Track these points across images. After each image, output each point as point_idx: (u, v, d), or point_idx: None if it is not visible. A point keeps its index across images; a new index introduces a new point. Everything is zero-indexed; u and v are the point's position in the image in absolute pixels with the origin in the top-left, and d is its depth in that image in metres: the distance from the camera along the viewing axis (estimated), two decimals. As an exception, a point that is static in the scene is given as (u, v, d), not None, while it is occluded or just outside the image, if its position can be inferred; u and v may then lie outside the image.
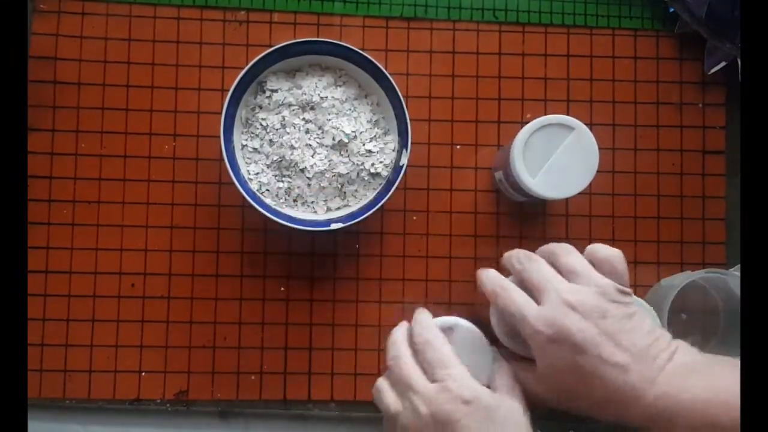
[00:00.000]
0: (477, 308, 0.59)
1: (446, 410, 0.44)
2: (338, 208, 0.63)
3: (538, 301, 0.48)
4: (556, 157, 0.58)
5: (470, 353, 0.50)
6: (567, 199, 0.66)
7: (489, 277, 0.52)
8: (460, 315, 0.53)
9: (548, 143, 0.58)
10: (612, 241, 0.67)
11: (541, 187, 0.58)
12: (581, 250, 0.67)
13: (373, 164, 0.62)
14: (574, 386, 0.46)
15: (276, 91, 0.62)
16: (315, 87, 0.63)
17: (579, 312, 0.46)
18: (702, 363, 0.45)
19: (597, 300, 0.46)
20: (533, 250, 0.68)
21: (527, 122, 0.58)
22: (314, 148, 0.62)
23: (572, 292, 0.47)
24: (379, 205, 0.60)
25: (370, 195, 0.63)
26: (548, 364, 0.46)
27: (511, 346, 0.51)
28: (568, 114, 0.68)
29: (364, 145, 0.62)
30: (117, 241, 0.65)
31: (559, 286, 0.48)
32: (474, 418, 0.44)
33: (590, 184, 0.67)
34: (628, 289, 0.48)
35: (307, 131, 0.62)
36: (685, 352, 0.46)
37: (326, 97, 0.62)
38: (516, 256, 0.52)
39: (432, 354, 0.48)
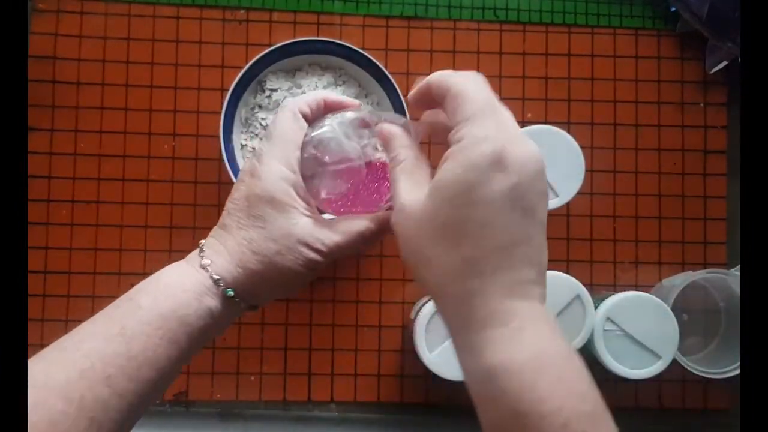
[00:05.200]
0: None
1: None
2: (338, 208, 0.63)
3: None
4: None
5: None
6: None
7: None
8: None
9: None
10: (613, 242, 0.67)
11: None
12: (582, 251, 0.68)
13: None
14: (467, 236, 0.32)
15: (276, 90, 0.62)
16: (315, 86, 0.62)
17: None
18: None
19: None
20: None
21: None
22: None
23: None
24: (379, 205, 0.60)
25: (370, 195, 0.62)
26: (463, 190, 0.32)
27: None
28: (568, 113, 0.68)
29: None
30: (116, 241, 0.65)
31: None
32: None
33: (591, 184, 0.68)
34: None
35: (307, 131, 0.62)
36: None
37: (326, 96, 0.62)
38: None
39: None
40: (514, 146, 0.32)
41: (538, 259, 0.33)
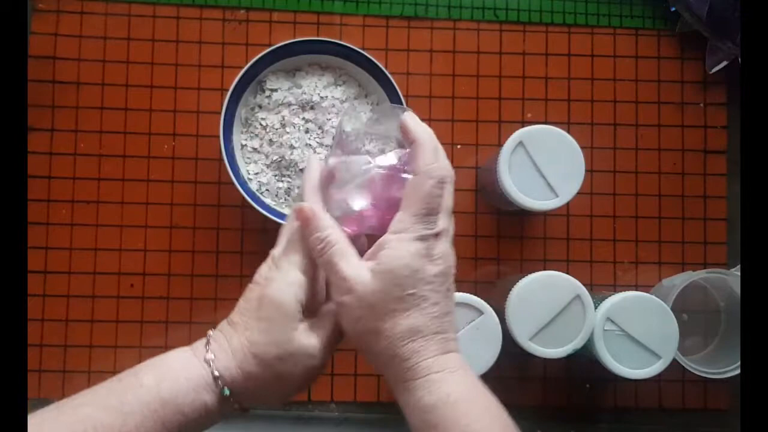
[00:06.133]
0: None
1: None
2: (338, 208, 0.63)
3: None
4: (543, 166, 0.58)
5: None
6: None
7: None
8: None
9: (533, 157, 0.58)
10: (613, 242, 0.67)
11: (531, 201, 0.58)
12: (582, 251, 0.68)
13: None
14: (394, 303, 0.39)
15: (276, 90, 0.62)
16: (315, 86, 0.62)
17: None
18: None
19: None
20: (534, 250, 0.68)
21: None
22: (314, 147, 0.62)
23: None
24: (379, 205, 0.60)
25: (370, 195, 0.62)
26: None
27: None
28: (568, 113, 0.68)
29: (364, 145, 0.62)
30: (116, 241, 0.65)
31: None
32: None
33: (591, 184, 0.68)
34: None
35: (307, 131, 0.62)
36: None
37: (326, 96, 0.62)
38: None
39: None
40: (439, 243, 0.40)
41: (455, 322, 0.42)
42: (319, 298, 0.45)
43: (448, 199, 0.42)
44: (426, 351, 0.39)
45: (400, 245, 0.40)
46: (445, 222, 0.41)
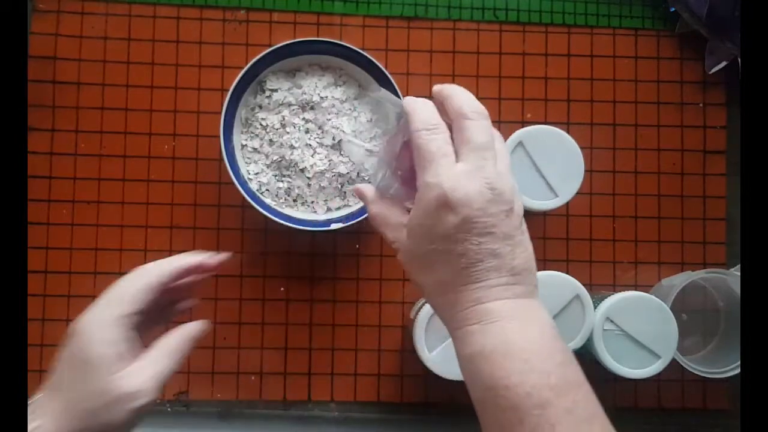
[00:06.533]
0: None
1: None
2: (338, 208, 0.63)
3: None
4: (542, 166, 0.58)
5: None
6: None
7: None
8: None
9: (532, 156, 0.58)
10: (613, 242, 0.67)
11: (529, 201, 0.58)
12: (581, 251, 0.68)
13: (373, 164, 0.62)
14: (435, 252, 0.39)
15: (276, 90, 0.62)
16: (315, 87, 0.62)
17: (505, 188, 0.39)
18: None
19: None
20: (534, 250, 0.68)
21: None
22: (314, 147, 0.62)
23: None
24: (379, 205, 0.60)
25: (370, 195, 0.62)
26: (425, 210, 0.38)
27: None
28: (568, 113, 0.69)
29: (364, 144, 0.62)
30: (116, 241, 0.65)
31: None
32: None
33: (591, 184, 0.68)
34: None
35: (307, 131, 0.62)
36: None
37: (326, 96, 0.62)
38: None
39: None
40: (459, 187, 0.37)
41: (508, 266, 0.38)
42: (153, 332, 0.45)
43: (476, 135, 0.40)
44: (459, 303, 0.38)
45: (418, 202, 0.39)
46: (465, 164, 0.38)
